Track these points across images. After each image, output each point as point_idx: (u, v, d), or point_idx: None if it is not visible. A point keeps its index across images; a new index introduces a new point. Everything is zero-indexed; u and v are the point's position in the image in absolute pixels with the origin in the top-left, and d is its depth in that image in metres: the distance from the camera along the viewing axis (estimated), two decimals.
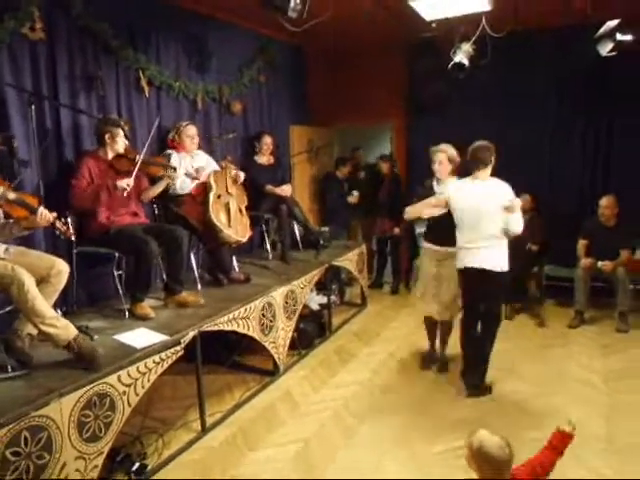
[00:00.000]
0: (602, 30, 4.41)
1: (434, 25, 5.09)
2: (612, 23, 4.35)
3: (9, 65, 3.35)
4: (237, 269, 4.64)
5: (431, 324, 4.37)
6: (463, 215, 3.74)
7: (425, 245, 4.24)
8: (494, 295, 3.77)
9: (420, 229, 6.40)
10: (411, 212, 4.03)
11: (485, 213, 3.61)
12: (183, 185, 4.31)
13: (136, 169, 3.68)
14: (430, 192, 4.09)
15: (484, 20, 4.79)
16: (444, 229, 3.87)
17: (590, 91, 5.50)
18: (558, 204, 5.58)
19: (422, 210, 3.98)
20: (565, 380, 4.05)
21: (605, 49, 4.40)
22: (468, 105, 5.94)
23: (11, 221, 2.90)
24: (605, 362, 4.34)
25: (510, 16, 4.86)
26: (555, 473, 2.78)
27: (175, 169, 4.06)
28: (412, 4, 4.64)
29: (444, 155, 4.03)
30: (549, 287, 5.72)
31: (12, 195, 2.87)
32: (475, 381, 3.85)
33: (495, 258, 3.65)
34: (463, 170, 3.97)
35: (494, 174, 3.75)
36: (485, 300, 3.78)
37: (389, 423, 3.54)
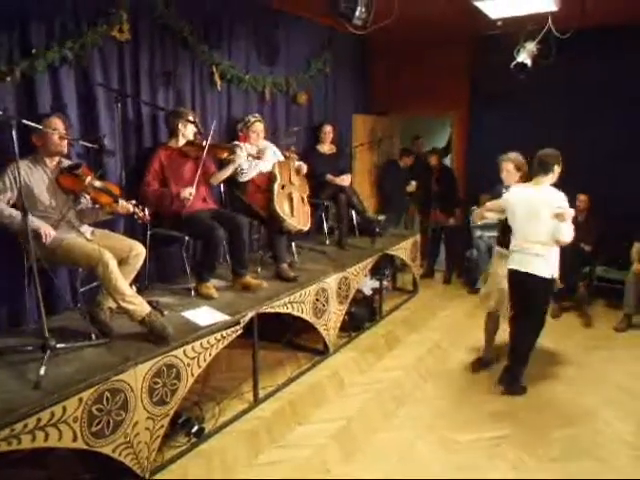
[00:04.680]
0: None
1: (500, 23, 5.13)
2: None
3: (100, 65, 3.73)
4: (295, 255, 4.93)
5: (493, 323, 4.37)
6: (516, 220, 3.84)
7: (497, 249, 4.34)
8: (538, 300, 3.86)
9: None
10: (475, 216, 4.20)
11: (537, 219, 3.70)
12: (248, 171, 4.60)
13: (204, 154, 3.99)
14: (497, 197, 4.16)
15: (550, 20, 4.82)
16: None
17: None
18: (615, 206, 5.54)
19: (482, 214, 4.15)
20: (603, 383, 4.12)
21: None
22: (531, 102, 5.96)
23: (97, 206, 3.31)
24: None
25: (577, 15, 4.85)
26: (579, 474, 2.98)
27: (240, 147, 4.41)
28: (477, 4, 4.72)
29: (512, 164, 4.11)
30: (600, 288, 5.72)
31: (98, 183, 3.26)
32: (511, 380, 3.98)
33: (543, 264, 3.73)
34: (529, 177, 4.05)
35: (559, 180, 3.83)
36: (529, 303, 3.89)
37: (426, 409, 3.78)
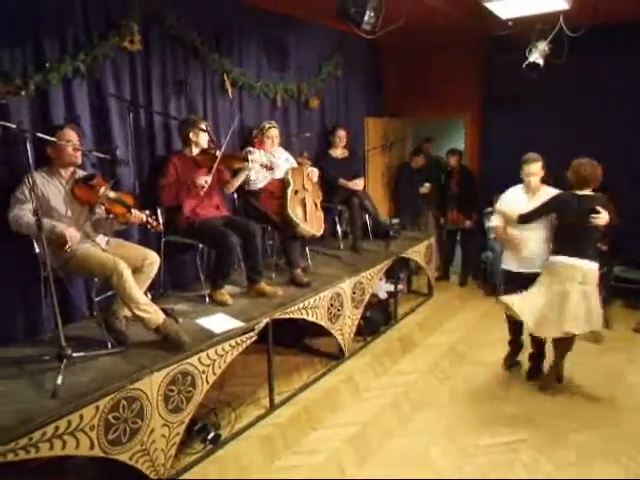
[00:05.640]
0: None
1: (510, 23, 5.10)
2: None
3: (112, 76, 3.77)
4: (309, 260, 4.93)
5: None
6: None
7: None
8: None
9: (490, 223, 6.49)
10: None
11: None
12: (258, 180, 4.63)
13: (216, 163, 4.01)
14: None
15: (562, 18, 4.78)
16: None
17: None
18: (632, 205, 5.46)
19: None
20: (621, 386, 4.07)
21: None
22: (543, 102, 5.91)
23: (111, 217, 3.34)
24: None
25: (589, 13, 4.80)
26: (595, 474, 2.95)
27: (251, 152, 4.46)
28: (487, 4, 4.70)
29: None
30: (618, 288, 5.63)
31: (112, 194, 3.30)
32: None
33: None
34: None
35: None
36: None
37: (443, 413, 3.76)
